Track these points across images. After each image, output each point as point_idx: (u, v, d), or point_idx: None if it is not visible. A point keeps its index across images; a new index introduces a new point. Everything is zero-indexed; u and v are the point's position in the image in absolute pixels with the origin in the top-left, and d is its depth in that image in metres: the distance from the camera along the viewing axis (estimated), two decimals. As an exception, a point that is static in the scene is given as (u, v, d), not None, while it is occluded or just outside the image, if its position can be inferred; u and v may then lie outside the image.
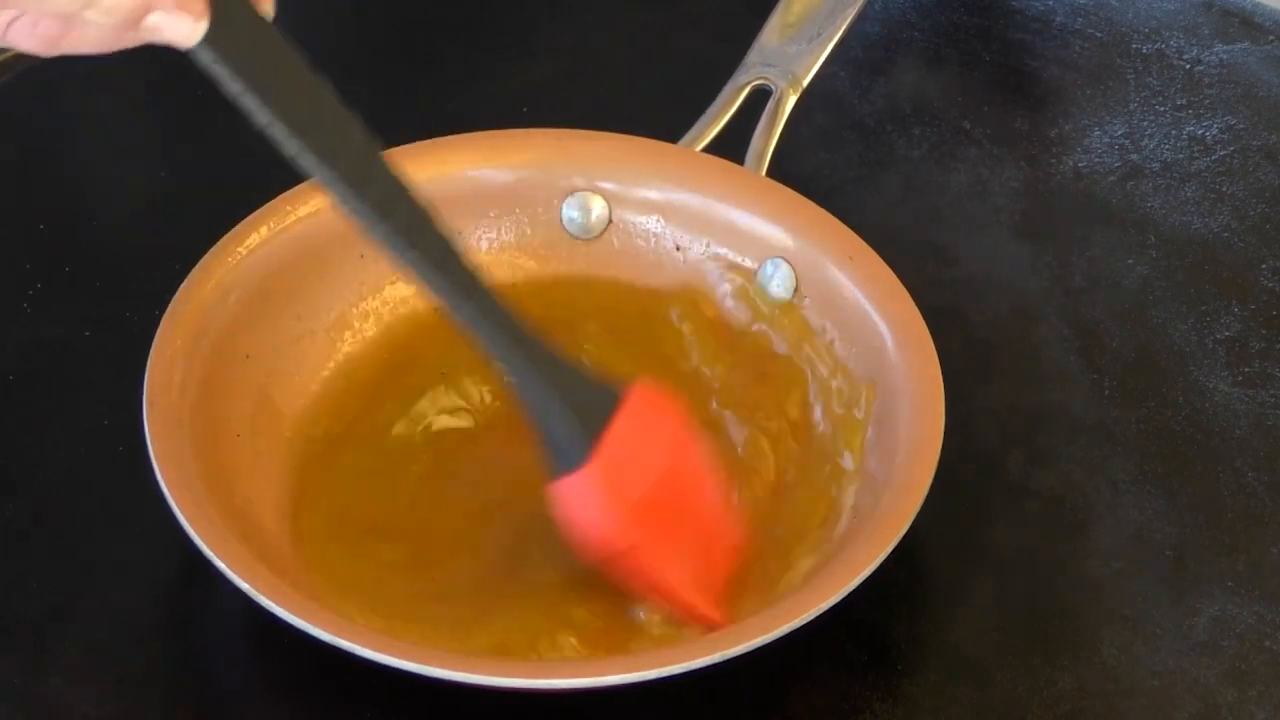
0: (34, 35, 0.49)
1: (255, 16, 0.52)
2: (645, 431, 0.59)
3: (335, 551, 0.61)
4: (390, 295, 0.69)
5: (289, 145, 0.53)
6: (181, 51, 0.51)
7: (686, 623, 0.59)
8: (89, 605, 0.61)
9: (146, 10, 0.49)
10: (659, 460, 0.59)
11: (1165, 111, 0.84)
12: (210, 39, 0.50)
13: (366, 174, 0.54)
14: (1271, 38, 0.89)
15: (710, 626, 0.58)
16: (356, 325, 0.68)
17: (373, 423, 0.66)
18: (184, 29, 0.50)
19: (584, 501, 0.57)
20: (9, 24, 0.49)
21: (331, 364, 0.67)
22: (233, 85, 0.52)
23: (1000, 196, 0.79)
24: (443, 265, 0.56)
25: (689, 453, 0.61)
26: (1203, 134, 0.83)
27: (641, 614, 0.60)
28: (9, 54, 0.83)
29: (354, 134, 0.54)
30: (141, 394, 0.60)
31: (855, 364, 0.65)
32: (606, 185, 0.71)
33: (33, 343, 0.70)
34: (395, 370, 0.67)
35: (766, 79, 0.75)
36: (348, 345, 0.68)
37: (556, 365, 0.58)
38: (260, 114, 0.52)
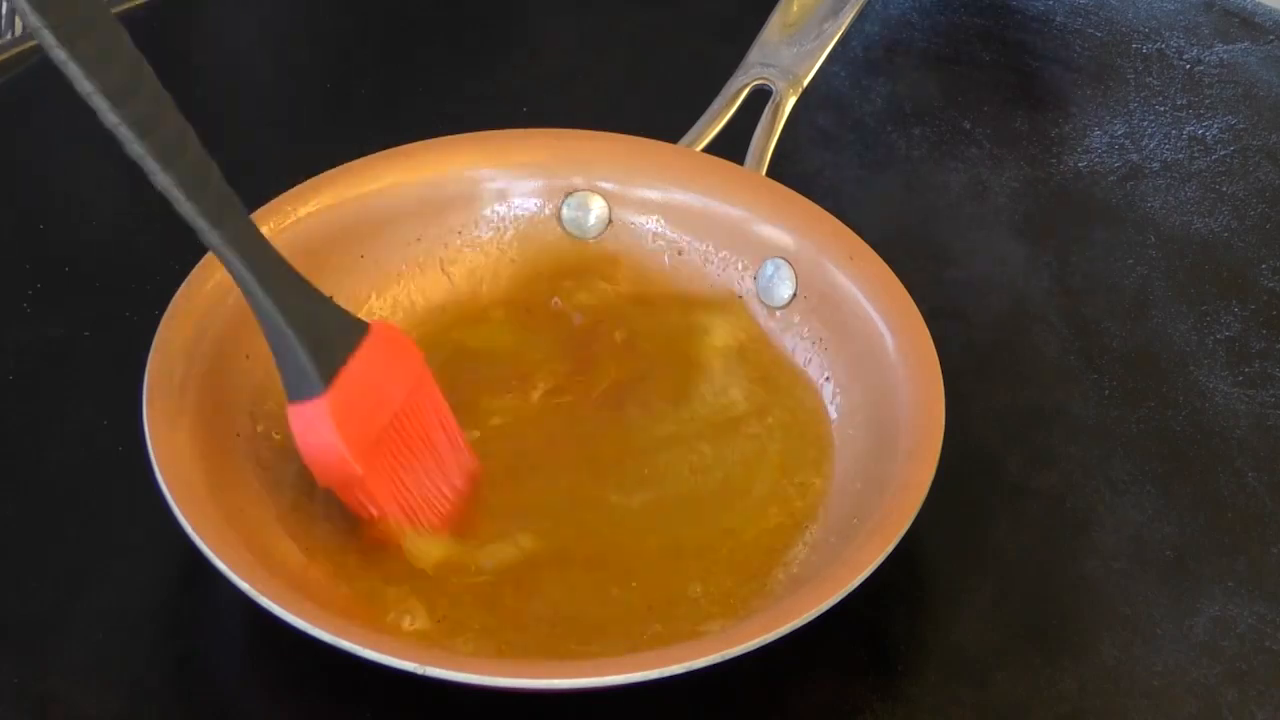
0: None
1: None
2: (383, 369, 0.61)
3: (335, 551, 0.61)
4: (390, 295, 0.69)
5: (81, 84, 0.53)
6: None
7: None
8: (89, 605, 0.61)
9: None
10: (394, 397, 0.61)
11: (1165, 111, 0.84)
12: None
13: (131, 83, 0.55)
14: (1271, 38, 0.89)
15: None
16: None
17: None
18: None
19: (316, 430, 0.59)
20: None
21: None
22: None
23: (1000, 196, 0.79)
24: (195, 190, 0.57)
25: (425, 392, 0.62)
26: (1203, 134, 0.83)
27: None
28: (9, 53, 0.83)
29: (123, 45, 0.55)
30: (141, 394, 0.60)
31: (853, 364, 0.66)
32: (606, 185, 0.71)
33: (33, 343, 0.70)
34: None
35: (766, 79, 0.75)
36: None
37: (301, 295, 0.60)
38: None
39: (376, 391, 0.61)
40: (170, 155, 0.56)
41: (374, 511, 0.61)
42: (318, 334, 0.59)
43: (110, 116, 0.54)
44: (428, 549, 0.61)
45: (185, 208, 0.57)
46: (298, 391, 0.59)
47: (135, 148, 0.55)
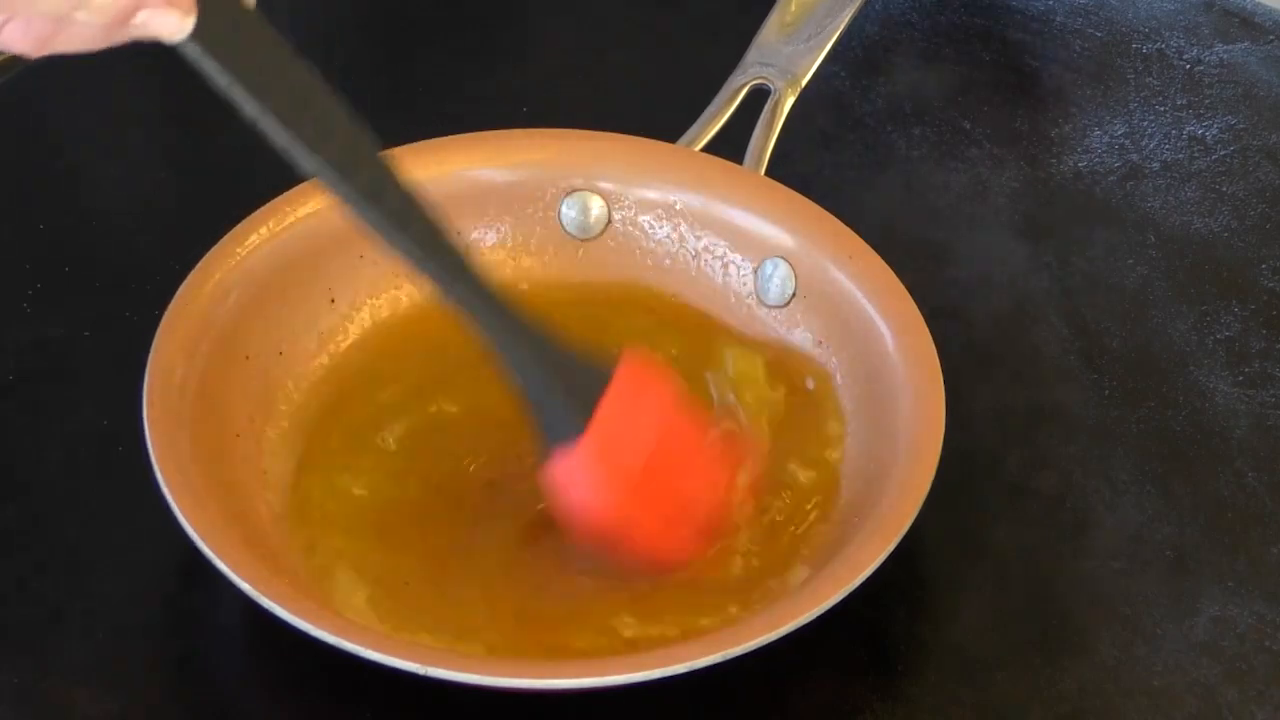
0: (27, 37, 0.50)
1: (240, 8, 0.52)
2: (637, 406, 0.59)
3: (336, 551, 0.61)
4: (390, 295, 0.69)
5: (279, 136, 0.54)
6: (169, 46, 0.51)
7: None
8: (89, 605, 0.61)
9: (136, 8, 0.49)
10: (651, 434, 0.59)
11: (1165, 111, 0.84)
12: (198, 33, 0.50)
13: (355, 160, 0.55)
14: (1271, 38, 0.89)
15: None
16: (356, 325, 0.68)
17: (374, 422, 0.66)
18: (172, 24, 0.50)
19: (579, 479, 0.57)
20: (1, 26, 0.49)
21: (332, 364, 0.67)
22: (221, 79, 0.52)
23: (1000, 196, 0.79)
24: (433, 248, 0.57)
25: (681, 424, 0.61)
26: (1203, 134, 0.83)
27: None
28: (9, 54, 0.83)
29: (342, 122, 0.55)
30: (141, 394, 0.60)
31: (854, 364, 0.66)
32: (605, 185, 0.71)
33: (33, 343, 0.70)
34: (395, 369, 0.67)
35: (765, 78, 0.75)
36: (348, 345, 0.68)
37: (547, 343, 0.58)
38: (249, 106, 0.53)
39: (635, 427, 0.58)
40: (403, 219, 0.56)
41: (641, 557, 0.59)
42: (569, 378, 0.58)
43: (341, 188, 0.55)
44: None
45: (430, 267, 0.56)
46: (557, 442, 0.57)
47: (369, 216, 0.55)
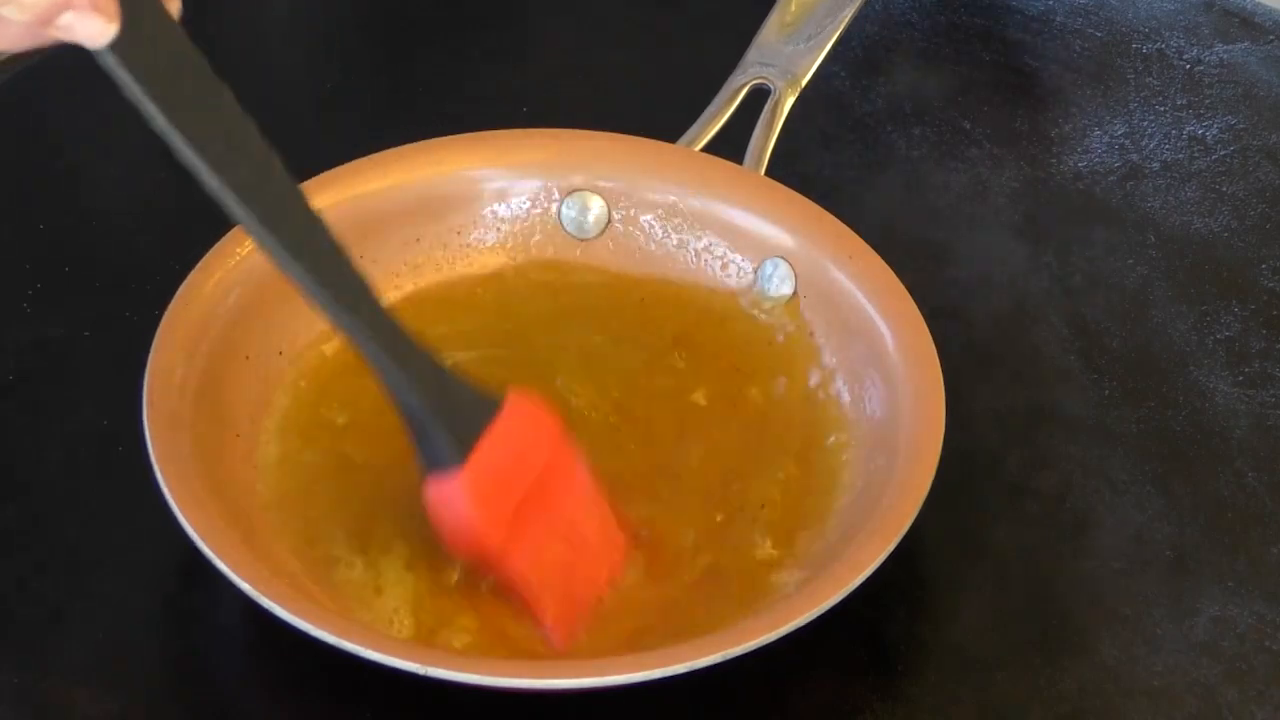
0: None
1: (166, 22, 0.52)
2: (520, 442, 0.60)
3: (336, 551, 0.61)
4: (390, 295, 0.69)
5: (184, 154, 0.54)
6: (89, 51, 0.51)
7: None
8: (89, 605, 0.61)
9: (62, 8, 0.49)
10: (531, 471, 0.60)
11: (1165, 111, 0.84)
12: (118, 43, 0.50)
13: (259, 182, 0.55)
14: (1271, 38, 0.89)
15: (548, 640, 0.59)
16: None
17: (374, 422, 0.66)
18: (95, 30, 0.50)
19: (454, 505, 0.58)
20: None
21: (332, 364, 0.67)
22: (132, 90, 0.52)
23: (1000, 196, 0.79)
24: (328, 277, 0.56)
25: (565, 466, 0.61)
26: (1203, 134, 0.83)
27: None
28: (9, 54, 0.83)
29: (251, 143, 0.55)
30: (141, 394, 0.60)
31: (854, 364, 0.66)
32: (605, 184, 0.71)
33: (33, 343, 0.70)
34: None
35: (765, 78, 0.75)
36: (347, 345, 0.67)
37: (433, 372, 0.59)
38: (157, 120, 0.53)
39: (514, 464, 0.59)
40: (300, 247, 0.56)
41: (514, 586, 0.59)
42: (452, 408, 0.58)
43: (239, 211, 0.54)
44: None
45: (319, 295, 0.56)
46: (434, 465, 0.58)
47: (267, 241, 0.55)
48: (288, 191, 0.56)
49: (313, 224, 0.56)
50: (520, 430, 0.60)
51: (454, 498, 0.58)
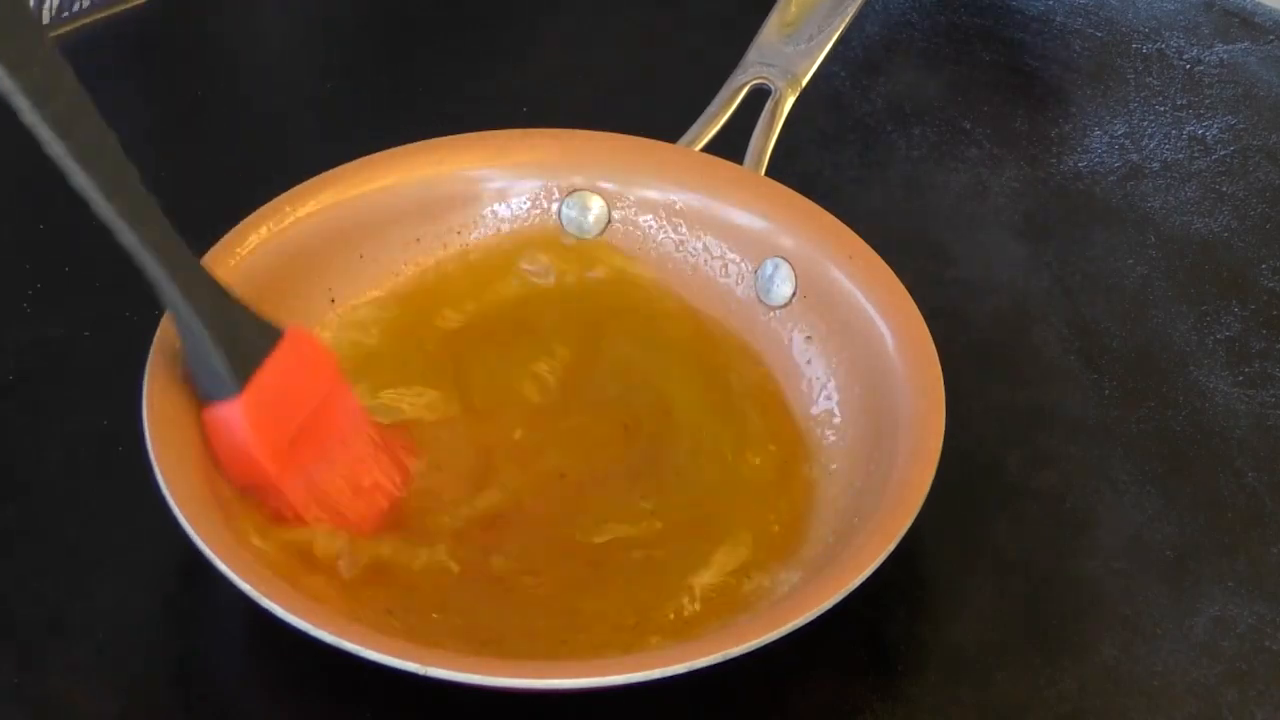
0: None
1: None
2: (297, 373, 0.61)
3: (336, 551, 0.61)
4: (389, 295, 0.69)
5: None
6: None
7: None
8: (89, 605, 0.61)
9: None
10: (308, 404, 0.61)
11: (1165, 111, 0.84)
12: None
13: (52, 84, 0.55)
14: (1271, 38, 0.89)
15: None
16: (355, 325, 0.68)
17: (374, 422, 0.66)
18: None
19: (230, 431, 0.59)
20: None
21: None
22: None
23: (1000, 196, 0.79)
24: (114, 190, 0.57)
25: (340, 397, 0.63)
26: (1203, 134, 0.83)
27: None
28: None
29: (42, 45, 0.55)
30: (141, 394, 0.60)
31: (853, 364, 0.66)
32: (605, 184, 0.71)
33: (33, 343, 0.70)
34: (395, 369, 0.67)
35: (765, 78, 0.75)
36: (347, 345, 0.68)
37: (217, 299, 0.60)
38: None
39: (291, 395, 0.61)
40: (89, 157, 0.56)
41: (290, 512, 0.60)
42: (233, 337, 0.59)
43: (30, 116, 0.54)
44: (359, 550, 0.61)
45: (103, 209, 0.57)
46: (212, 393, 0.60)
47: (55, 148, 0.55)
48: (79, 103, 0.56)
49: (102, 136, 0.56)
50: (298, 362, 0.61)
51: (231, 424, 0.59)
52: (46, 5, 1.01)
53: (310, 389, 0.62)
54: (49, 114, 0.55)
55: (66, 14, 0.86)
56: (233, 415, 0.59)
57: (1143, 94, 0.85)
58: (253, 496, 0.60)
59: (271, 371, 0.60)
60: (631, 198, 0.71)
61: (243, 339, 0.60)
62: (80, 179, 0.56)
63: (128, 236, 0.57)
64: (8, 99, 0.54)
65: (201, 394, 0.60)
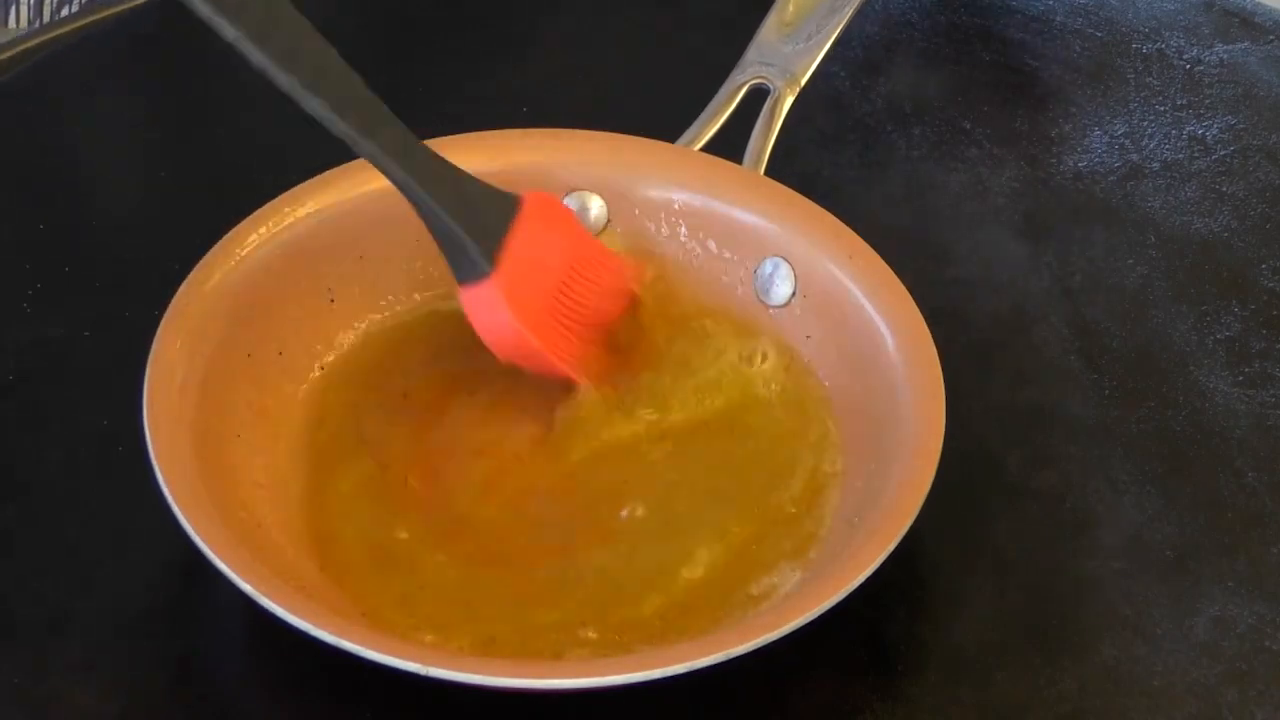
0: None
1: None
2: (541, 236, 0.64)
3: (335, 551, 0.61)
4: (390, 296, 0.69)
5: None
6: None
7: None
8: (89, 605, 0.61)
9: None
10: (556, 262, 0.64)
11: (1165, 111, 0.84)
12: None
13: (271, 21, 0.58)
14: (1271, 38, 0.89)
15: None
16: (355, 325, 0.68)
17: (375, 422, 0.66)
18: None
19: (490, 310, 0.62)
20: None
21: (332, 363, 0.67)
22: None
23: (1000, 196, 0.79)
24: (344, 107, 0.59)
25: (582, 247, 0.66)
26: (1203, 134, 0.83)
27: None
28: (9, 53, 0.83)
29: None
30: (141, 394, 0.60)
31: (854, 364, 0.66)
32: (605, 185, 0.71)
33: (33, 343, 0.70)
34: (395, 369, 0.67)
35: (764, 78, 0.75)
36: (347, 345, 0.68)
37: (455, 184, 0.63)
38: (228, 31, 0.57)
39: (539, 260, 0.63)
40: (316, 81, 0.58)
41: (560, 372, 0.64)
42: (477, 219, 0.62)
43: (257, 56, 0.57)
44: None
45: (340, 128, 0.59)
46: (467, 275, 0.62)
47: (282, 80, 0.58)
48: (300, 26, 0.59)
49: (325, 55, 0.59)
50: (541, 227, 0.64)
51: (489, 304, 0.62)
52: (47, 4, 1.01)
53: (556, 249, 0.64)
54: (274, 52, 0.57)
55: (66, 13, 0.86)
56: (490, 294, 0.62)
57: (1143, 94, 0.85)
58: (521, 364, 0.63)
59: (517, 242, 0.63)
60: (631, 198, 0.71)
61: (485, 217, 0.62)
62: (314, 104, 0.58)
63: (366, 146, 0.60)
64: (234, 44, 0.57)
65: (457, 276, 0.62)
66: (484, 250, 0.62)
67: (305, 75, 0.58)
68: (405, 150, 0.61)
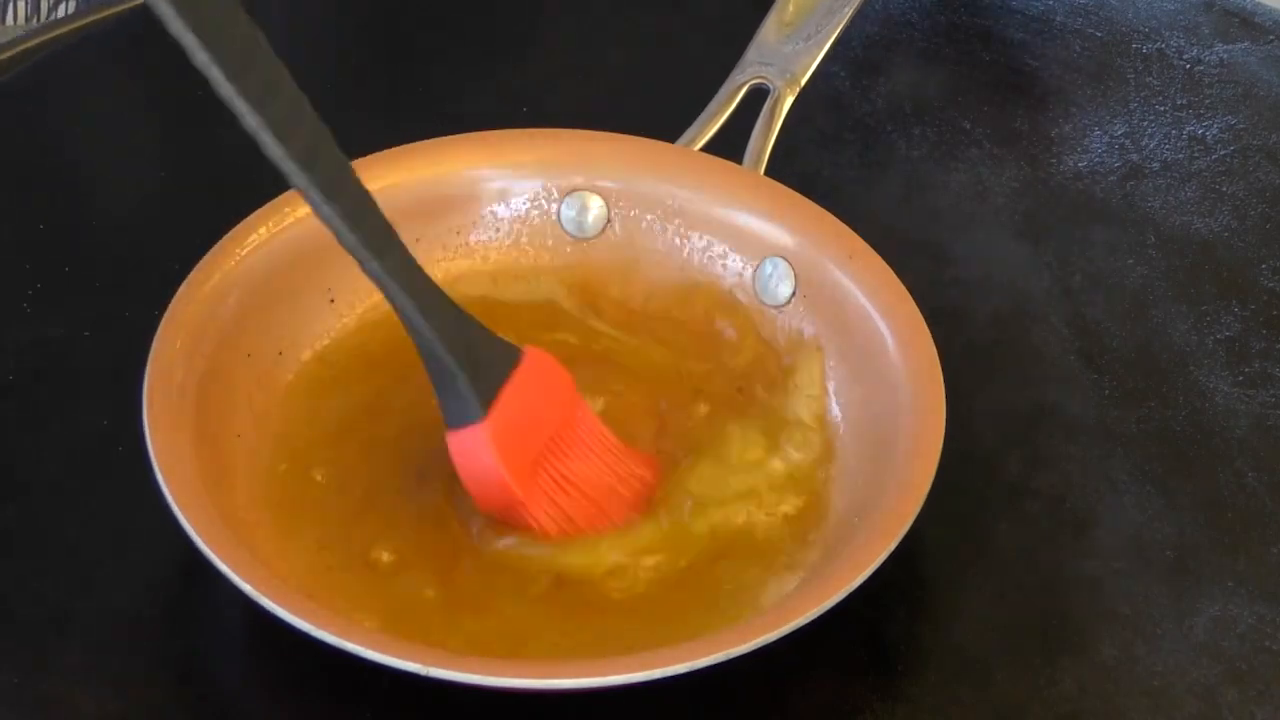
0: None
1: None
2: (537, 393, 0.62)
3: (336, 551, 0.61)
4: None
5: (223, 91, 0.54)
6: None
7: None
8: (89, 605, 0.61)
9: None
10: (550, 424, 0.62)
11: (1165, 111, 0.84)
12: None
13: (293, 123, 0.55)
14: (1271, 38, 0.89)
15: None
16: (356, 326, 0.68)
17: (374, 422, 0.66)
18: None
19: (477, 455, 0.60)
20: None
21: (331, 363, 0.67)
22: (178, 28, 0.53)
23: (1000, 196, 0.79)
24: (357, 221, 0.57)
25: (579, 416, 0.63)
26: (1203, 134, 0.83)
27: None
28: (9, 53, 0.83)
29: (284, 85, 0.55)
30: (141, 394, 0.60)
31: (854, 364, 0.66)
32: (605, 184, 0.71)
33: (33, 343, 0.70)
34: (394, 369, 0.67)
35: (764, 78, 0.75)
36: (347, 345, 0.68)
37: (458, 323, 0.60)
38: (198, 56, 0.54)
39: (533, 416, 0.61)
40: (331, 191, 0.56)
41: (537, 528, 0.61)
42: (475, 361, 0.60)
43: (275, 150, 0.54)
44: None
45: (349, 239, 0.57)
46: (457, 418, 0.60)
47: (299, 180, 0.55)
48: (321, 134, 0.56)
49: (343, 170, 0.57)
50: (538, 383, 0.62)
51: (477, 448, 0.60)
52: (45, 4, 1.01)
53: (551, 408, 0.62)
54: (293, 150, 0.55)
55: (63, 11, 0.86)
56: (479, 439, 0.60)
57: (1143, 94, 0.85)
58: (499, 517, 0.61)
59: (514, 393, 0.61)
60: (631, 198, 0.71)
61: (484, 362, 0.60)
62: (325, 210, 0.56)
63: (372, 265, 0.58)
64: (253, 134, 0.54)
65: (446, 418, 0.60)
66: (479, 394, 0.60)
67: (323, 181, 0.56)
68: (411, 277, 0.59)
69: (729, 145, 0.73)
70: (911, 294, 0.65)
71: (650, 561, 0.61)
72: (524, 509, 0.61)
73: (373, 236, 0.58)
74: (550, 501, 0.61)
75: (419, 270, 0.59)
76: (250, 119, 0.54)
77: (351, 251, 0.57)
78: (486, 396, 0.60)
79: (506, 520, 0.61)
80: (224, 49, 0.53)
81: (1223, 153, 0.82)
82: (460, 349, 0.59)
